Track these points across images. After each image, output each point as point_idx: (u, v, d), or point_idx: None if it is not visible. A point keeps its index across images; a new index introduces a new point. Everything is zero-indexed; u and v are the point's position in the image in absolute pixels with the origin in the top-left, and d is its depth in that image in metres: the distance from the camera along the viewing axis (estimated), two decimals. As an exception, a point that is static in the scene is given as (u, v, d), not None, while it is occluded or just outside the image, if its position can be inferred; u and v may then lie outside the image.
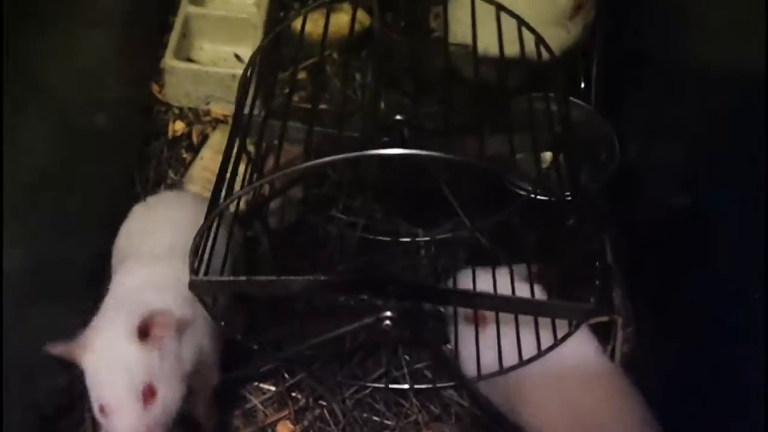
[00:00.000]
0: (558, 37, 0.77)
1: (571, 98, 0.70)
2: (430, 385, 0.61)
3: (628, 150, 0.72)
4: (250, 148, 0.57)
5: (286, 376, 0.63)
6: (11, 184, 0.54)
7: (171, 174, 0.76)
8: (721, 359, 0.56)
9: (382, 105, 0.84)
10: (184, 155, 0.78)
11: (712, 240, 0.59)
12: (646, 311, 0.66)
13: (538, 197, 0.64)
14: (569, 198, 0.51)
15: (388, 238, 0.70)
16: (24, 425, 0.57)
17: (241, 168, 0.54)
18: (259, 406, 0.61)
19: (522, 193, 0.69)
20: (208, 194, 0.47)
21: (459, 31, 0.79)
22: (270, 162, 0.70)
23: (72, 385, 0.61)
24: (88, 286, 0.66)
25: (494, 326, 0.56)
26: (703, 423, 0.57)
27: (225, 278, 0.48)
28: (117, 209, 0.72)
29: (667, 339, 0.64)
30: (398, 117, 0.55)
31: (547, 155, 0.66)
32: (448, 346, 0.65)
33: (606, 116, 0.74)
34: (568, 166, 0.50)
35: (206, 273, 0.48)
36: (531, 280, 0.57)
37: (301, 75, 0.85)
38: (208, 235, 0.48)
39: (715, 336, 0.57)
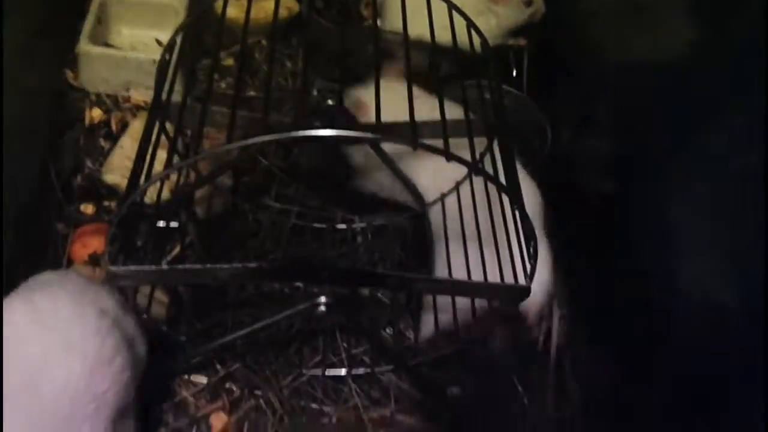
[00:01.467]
0: (487, 24, 0.77)
1: (504, 86, 0.71)
2: (368, 370, 0.60)
3: (560, 137, 0.74)
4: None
5: (219, 367, 0.60)
6: None
7: (89, 163, 0.72)
8: (654, 334, 0.58)
9: (314, 92, 0.83)
10: (103, 144, 0.74)
11: (637, 226, 0.61)
12: (579, 292, 0.67)
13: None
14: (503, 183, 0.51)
15: (323, 226, 0.69)
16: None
17: (163, 155, 0.51)
18: (190, 399, 0.59)
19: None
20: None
21: (392, 19, 0.79)
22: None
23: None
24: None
25: None
26: (642, 399, 0.59)
27: (147, 267, 0.45)
28: (30, 203, 0.67)
29: (601, 318, 0.66)
30: (330, 102, 0.54)
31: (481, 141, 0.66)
32: (387, 330, 0.65)
33: (538, 104, 0.75)
34: (501, 151, 0.51)
35: (125, 263, 0.45)
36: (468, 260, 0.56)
37: (228, 61, 0.83)
38: (125, 223, 0.45)
39: (643, 313, 0.59)
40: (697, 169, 0.53)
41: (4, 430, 0.44)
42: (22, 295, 0.49)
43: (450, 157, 0.40)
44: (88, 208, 0.70)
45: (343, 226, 0.70)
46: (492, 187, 0.54)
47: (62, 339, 0.46)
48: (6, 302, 0.48)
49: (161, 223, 0.59)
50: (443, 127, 0.44)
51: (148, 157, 0.46)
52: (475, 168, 0.42)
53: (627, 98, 0.63)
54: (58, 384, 0.45)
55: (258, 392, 0.60)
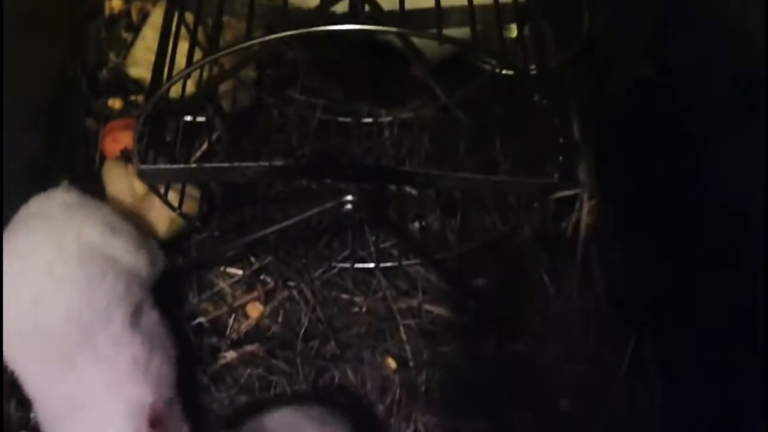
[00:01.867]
0: None
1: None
2: (396, 263, 0.62)
3: (597, 20, 0.69)
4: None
5: (253, 260, 0.62)
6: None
7: (112, 56, 0.71)
8: (687, 224, 0.57)
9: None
10: (125, 35, 0.72)
11: (677, 109, 0.58)
12: (614, 183, 0.66)
13: (503, 72, 0.61)
14: (534, 72, 0.49)
15: (349, 120, 0.68)
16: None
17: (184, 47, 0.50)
18: (228, 289, 0.62)
19: (487, 67, 0.67)
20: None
21: None
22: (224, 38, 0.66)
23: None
24: (28, 183, 0.64)
25: None
26: (670, 289, 0.60)
27: (176, 166, 0.46)
28: (56, 100, 0.67)
29: (635, 210, 0.65)
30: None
31: (513, 27, 0.62)
32: (416, 224, 0.65)
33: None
34: (533, 38, 0.48)
35: (155, 159, 0.45)
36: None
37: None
38: (156, 120, 0.45)
39: (681, 204, 0.58)
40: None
41: (18, 371, 0.48)
42: (5, 238, 0.52)
43: (476, 49, 0.38)
44: (115, 103, 0.70)
45: (369, 119, 0.69)
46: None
47: (49, 275, 0.49)
48: None
49: (188, 118, 0.59)
50: (471, 14, 0.42)
51: (169, 51, 0.45)
52: (504, 61, 0.40)
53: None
54: (59, 316, 0.48)
55: (291, 284, 0.62)
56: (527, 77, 0.42)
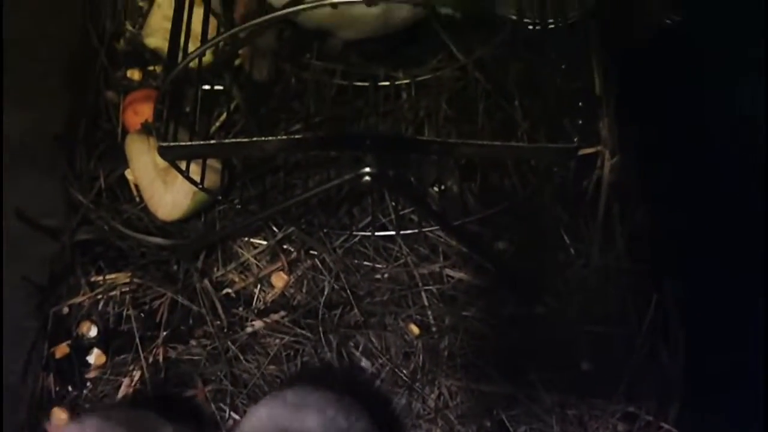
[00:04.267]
0: None
1: None
2: (416, 230, 0.62)
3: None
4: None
5: (276, 230, 0.63)
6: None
7: (128, 26, 0.71)
8: (709, 180, 0.57)
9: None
10: (141, 3, 0.72)
11: (699, 60, 0.57)
12: (637, 137, 0.65)
13: (522, 26, 0.60)
14: (553, 26, 0.48)
15: (366, 84, 0.67)
16: (18, 299, 0.58)
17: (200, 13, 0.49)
18: (252, 260, 0.63)
19: (506, 23, 0.65)
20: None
21: None
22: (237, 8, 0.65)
23: (61, 253, 0.62)
24: (59, 153, 0.65)
25: None
26: (692, 245, 0.59)
27: (196, 142, 0.46)
28: (77, 71, 0.68)
29: (657, 164, 0.64)
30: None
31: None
32: (434, 188, 0.65)
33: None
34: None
35: (175, 138, 0.46)
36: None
37: None
38: (171, 98, 0.45)
39: (704, 157, 0.57)
40: None
41: None
42: None
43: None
44: (134, 74, 0.70)
45: (386, 83, 0.68)
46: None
47: None
48: None
49: (206, 87, 0.59)
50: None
51: (184, 19, 0.44)
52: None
53: None
54: None
55: (313, 253, 0.63)
56: (547, 31, 0.41)
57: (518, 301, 0.62)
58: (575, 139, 0.46)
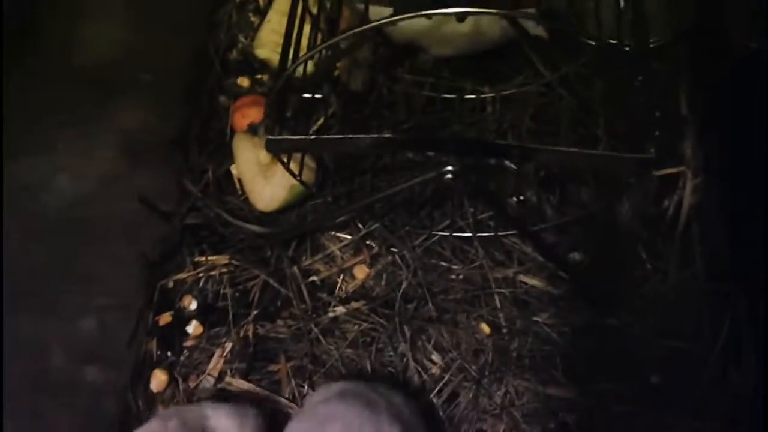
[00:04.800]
0: None
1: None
2: (493, 234, 0.65)
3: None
4: (314, 9, 0.58)
5: (360, 226, 0.68)
6: (88, 63, 0.59)
7: (241, 39, 0.79)
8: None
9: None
10: (252, 19, 0.79)
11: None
12: (721, 162, 0.65)
13: (608, 46, 0.62)
14: (637, 47, 0.50)
15: (453, 96, 0.71)
16: (132, 275, 0.66)
17: (308, 29, 0.55)
18: (337, 252, 0.68)
19: (591, 43, 0.68)
20: (278, 56, 0.50)
21: None
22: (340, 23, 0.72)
23: (172, 235, 0.69)
24: (175, 149, 0.73)
25: None
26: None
27: (299, 137, 0.52)
28: (196, 79, 0.76)
29: (740, 190, 0.64)
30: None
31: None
32: (513, 198, 0.68)
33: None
34: (635, 13, 0.49)
35: (279, 133, 0.52)
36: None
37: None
38: (280, 97, 0.51)
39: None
40: None
41: None
42: None
43: (573, 31, 0.41)
44: (244, 81, 0.77)
45: (472, 96, 0.72)
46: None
47: None
48: None
49: (307, 95, 0.65)
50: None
51: (294, 34, 0.50)
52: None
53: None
54: None
55: (394, 249, 0.67)
56: (634, 52, 0.44)
57: (591, 312, 0.63)
58: (652, 150, 0.48)
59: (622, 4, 0.50)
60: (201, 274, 0.67)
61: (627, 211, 0.66)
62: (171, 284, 0.67)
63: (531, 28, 0.65)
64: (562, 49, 0.69)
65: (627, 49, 0.52)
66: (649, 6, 0.53)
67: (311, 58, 0.48)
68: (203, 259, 0.68)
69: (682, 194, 0.66)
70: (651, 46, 0.65)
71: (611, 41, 0.61)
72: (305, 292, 0.65)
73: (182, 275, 0.67)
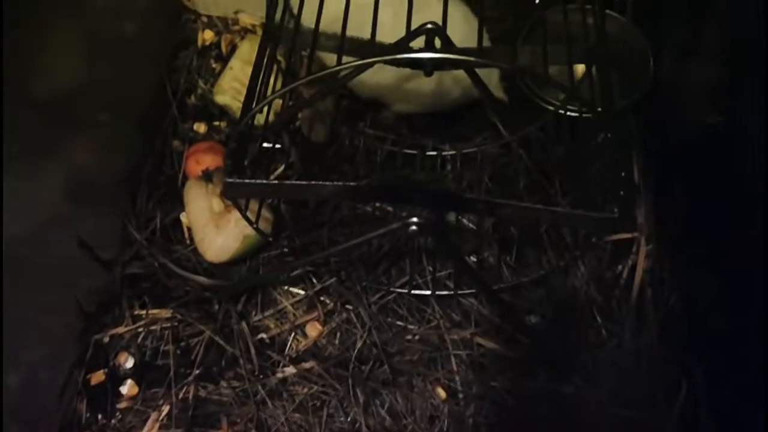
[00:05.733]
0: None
1: (608, 10, 0.69)
2: (451, 292, 0.64)
3: (663, 66, 0.71)
4: (281, 59, 0.57)
5: (315, 281, 0.66)
6: (45, 96, 0.56)
7: (201, 84, 0.77)
8: (749, 279, 0.57)
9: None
10: (214, 65, 0.78)
11: (741, 162, 0.59)
12: (673, 231, 0.67)
13: (568, 111, 0.64)
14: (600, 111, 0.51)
15: (414, 152, 0.71)
16: (67, 324, 0.61)
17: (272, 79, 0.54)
18: (290, 308, 0.65)
19: (551, 108, 0.69)
20: (238, 104, 0.49)
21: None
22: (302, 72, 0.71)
23: (111, 284, 0.65)
24: (123, 192, 0.69)
25: None
26: (728, 338, 0.59)
27: (260, 181, 0.50)
28: (152, 121, 0.74)
29: (693, 258, 0.65)
30: (429, 25, 0.55)
31: (579, 68, 0.65)
32: (471, 257, 0.67)
33: (642, 31, 0.72)
34: (600, 79, 0.50)
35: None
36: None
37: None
38: (241, 142, 0.49)
39: (742, 258, 0.58)
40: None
41: None
42: None
43: (550, 82, 0.41)
44: (200, 127, 0.75)
45: (433, 153, 0.72)
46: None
47: None
48: None
49: (266, 144, 0.63)
50: (543, 53, 0.44)
51: (260, 82, 0.49)
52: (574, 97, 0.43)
53: (737, 27, 0.60)
54: None
55: (349, 306, 0.65)
56: (594, 117, 0.45)
57: (548, 377, 0.61)
58: (615, 210, 0.48)
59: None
60: (140, 329, 0.63)
61: (582, 274, 0.67)
62: (107, 339, 0.63)
63: (493, 89, 0.66)
64: (522, 112, 0.70)
65: (586, 115, 0.53)
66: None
67: (275, 100, 0.46)
68: (144, 312, 0.64)
69: (636, 260, 0.66)
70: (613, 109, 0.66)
71: (570, 107, 0.63)
72: (253, 351, 0.62)
73: (120, 329, 0.63)
